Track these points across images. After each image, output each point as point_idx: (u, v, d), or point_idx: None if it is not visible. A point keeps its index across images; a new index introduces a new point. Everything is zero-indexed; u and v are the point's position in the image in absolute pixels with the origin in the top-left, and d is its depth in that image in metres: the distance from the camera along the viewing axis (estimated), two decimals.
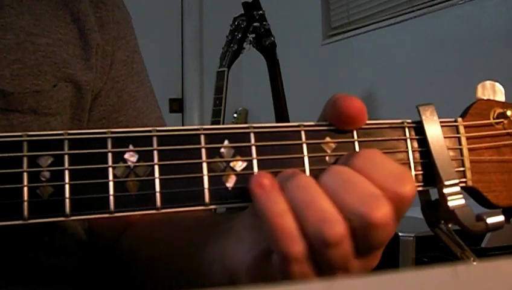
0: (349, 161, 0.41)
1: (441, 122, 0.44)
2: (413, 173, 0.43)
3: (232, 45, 2.25)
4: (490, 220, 0.41)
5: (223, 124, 2.15)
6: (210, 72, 2.68)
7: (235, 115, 3.34)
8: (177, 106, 3.59)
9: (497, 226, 0.41)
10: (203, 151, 0.41)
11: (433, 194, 0.45)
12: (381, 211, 0.37)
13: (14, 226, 0.38)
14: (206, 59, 3.47)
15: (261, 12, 2.27)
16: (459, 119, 0.45)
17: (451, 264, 0.27)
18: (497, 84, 0.46)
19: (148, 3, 3.23)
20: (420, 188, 0.43)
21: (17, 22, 0.58)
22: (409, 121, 0.44)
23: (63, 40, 0.61)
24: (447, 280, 0.26)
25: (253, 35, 2.28)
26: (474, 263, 0.41)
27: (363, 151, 0.41)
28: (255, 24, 2.26)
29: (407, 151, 0.43)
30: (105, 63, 0.66)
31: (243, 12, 2.28)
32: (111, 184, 0.39)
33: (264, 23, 2.28)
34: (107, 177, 0.39)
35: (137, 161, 0.40)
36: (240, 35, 2.24)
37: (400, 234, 1.32)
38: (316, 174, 0.41)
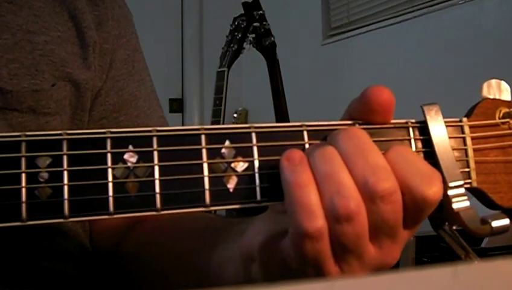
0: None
1: (445, 122, 0.43)
2: None
3: (232, 45, 2.25)
4: (495, 223, 0.40)
5: (223, 124, 2.15)
6: (210, 72, 2.67)
7: (235, 115, 3.34)
8: (177, 106, 3.59)
9: (502, 230, 0.40)
10: (204, 151, 0.40)
11: None
12: (390, 201, 0.37)
13: (14, 231, 0.38)
14: (206, 59, 3.47)
15: (261, 12, 2.27)
16: (464, 119, 0.44)
17: (451, 264, 0.26)
18: (503, 82, 0.45)
19: (148, 3, 3.22)
20: None
21: (14, 19, 0.57)
22: (413, 121, 0.44)
23: (61, 38, 0.60)
24: (447, 280, 0.26)
25: (253, 35, 2.27)
26: (476, 262, 0.41)
27: (396, 146, 0.41)
28: (255, 24, 2.26)
29: None
30: (103, 61, 0.65)
31: (243, 12, 2.27)
32: (110, 185, 0.39)
33: (264, 23, 2.27)
34: (106, 178, 0.39)
35: (137, 162, 0.39)
36: (240, 35, 2.23)
37: None
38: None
